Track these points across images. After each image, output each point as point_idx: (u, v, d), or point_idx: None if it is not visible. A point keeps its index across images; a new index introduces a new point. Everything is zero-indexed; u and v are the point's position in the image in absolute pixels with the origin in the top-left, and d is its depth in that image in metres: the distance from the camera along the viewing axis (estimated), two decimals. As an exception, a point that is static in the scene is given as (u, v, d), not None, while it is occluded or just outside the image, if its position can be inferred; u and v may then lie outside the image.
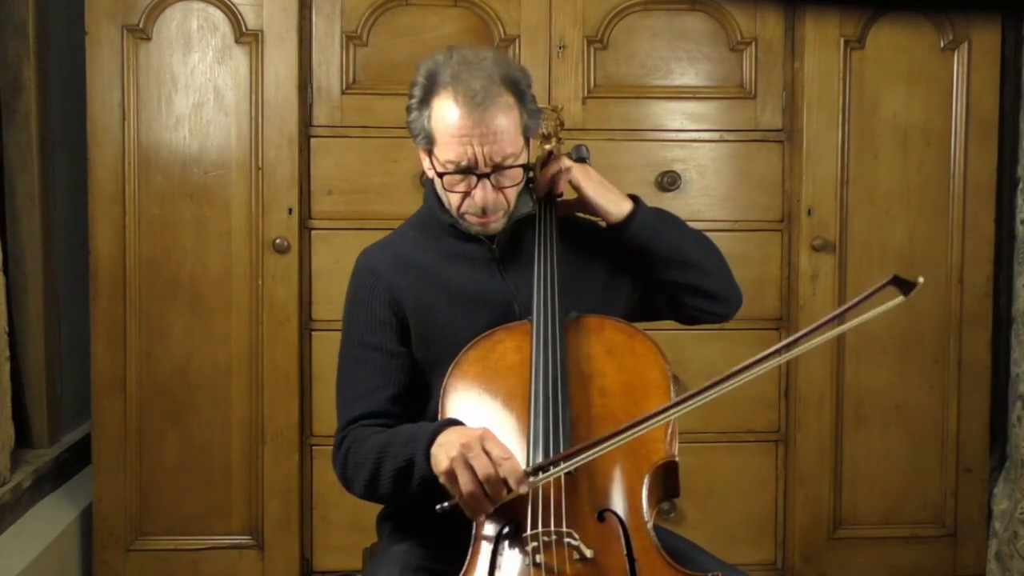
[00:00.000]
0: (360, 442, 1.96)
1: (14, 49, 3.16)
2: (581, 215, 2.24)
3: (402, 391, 2.03)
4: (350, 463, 1.97)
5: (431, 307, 2.05)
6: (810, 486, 3.37)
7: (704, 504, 3.32)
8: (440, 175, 2.00)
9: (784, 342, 1.67)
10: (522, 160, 1.99)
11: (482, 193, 1.97)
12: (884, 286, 1.54)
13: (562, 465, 1.72)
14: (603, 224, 2.14)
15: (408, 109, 2.02)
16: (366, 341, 2.06)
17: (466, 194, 1.99)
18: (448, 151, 1.96)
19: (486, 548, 1.74)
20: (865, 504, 3.40)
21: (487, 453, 1.71)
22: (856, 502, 3.40)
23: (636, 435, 1.70)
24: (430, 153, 2.02)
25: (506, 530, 1.75)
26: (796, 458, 3.36)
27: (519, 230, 2.10)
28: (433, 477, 1.78)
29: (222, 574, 3.29)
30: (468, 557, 1.75)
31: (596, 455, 1.71)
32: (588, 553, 1.68)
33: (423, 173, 3.17)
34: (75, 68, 3.26)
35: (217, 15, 3.20)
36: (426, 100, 1.98)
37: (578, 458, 1.71)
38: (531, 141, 2.06)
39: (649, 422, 1.70)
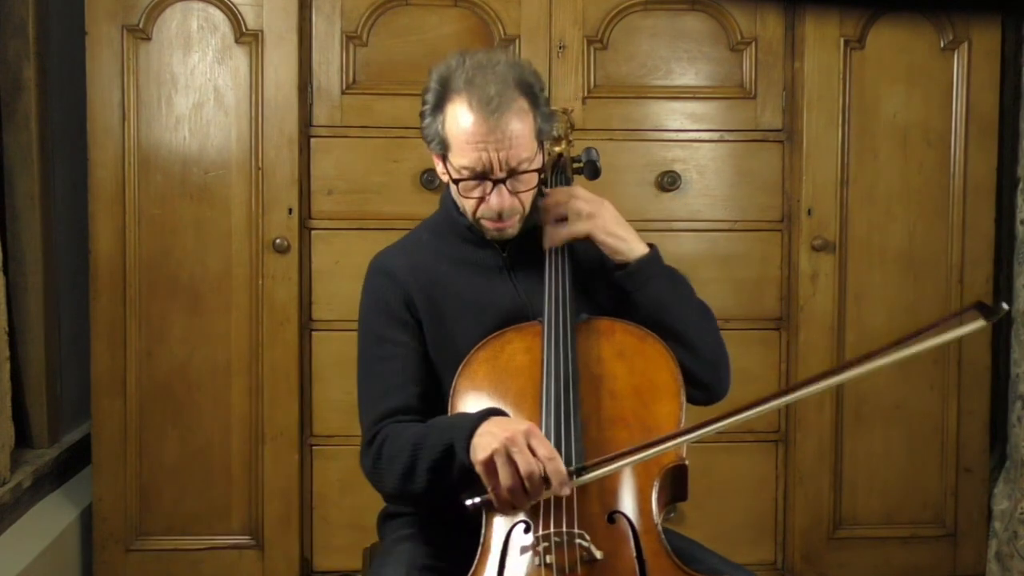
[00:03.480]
0: (396, 435, 1.92)
1: (14, 49, 3.15)
2: None
3: (427, 389, 2.01)
4: (384, 457, 1.92)
5: (442, 313, 2.04)
6: (810, 486, 3.37)
7: (704, 504, 3.31)
8: (455, 181, 1.98)
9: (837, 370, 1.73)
10: (536, 164, 1.97)
11: (498, 199, 1.94)
12: (967, 310, 1.58)
13: (604, 469, 1.71)
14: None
15: (421, 115, 2.00)
16: (389, 337, 2.03)
17: (481, 200, 1.97)
18: (463, 157, 1.93)
19: (496, 547, 1.74)
20: (865, 504, 3.40)
21: (532, 450, 1.69)
22: (856, 502, 3.40)
23: (673, 446, 1.74)
24: (444, 159, 1.99)
25: (516, 530, 1.75)
26: (796, 458, 3.36)
27: (529, 236, 2.08)
28: (472, 467, 1.75)
29: (222, 574, 3.29)
30: (477, 556, 1.75)
31: (636, 462, 1.72)
32: (598, 554, 1.68)
33: (424, 173, 3.23)
34: (75, 68, 3.25)
35: (217, 15, 3.19)
36: (439, 106, 1.96)
37: (620, 463, 1.72)
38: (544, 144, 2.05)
39: (700, 431, 1.72)
